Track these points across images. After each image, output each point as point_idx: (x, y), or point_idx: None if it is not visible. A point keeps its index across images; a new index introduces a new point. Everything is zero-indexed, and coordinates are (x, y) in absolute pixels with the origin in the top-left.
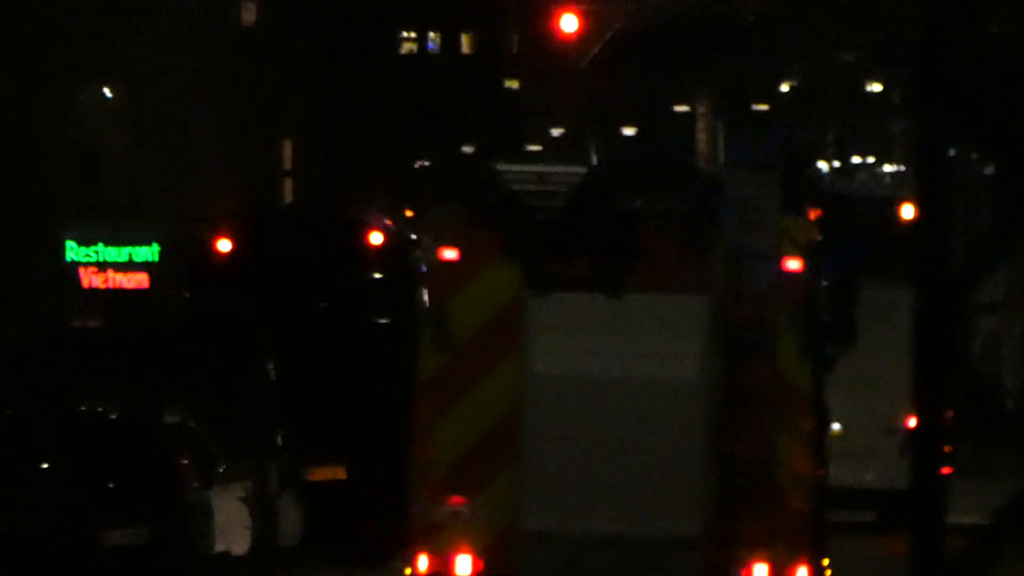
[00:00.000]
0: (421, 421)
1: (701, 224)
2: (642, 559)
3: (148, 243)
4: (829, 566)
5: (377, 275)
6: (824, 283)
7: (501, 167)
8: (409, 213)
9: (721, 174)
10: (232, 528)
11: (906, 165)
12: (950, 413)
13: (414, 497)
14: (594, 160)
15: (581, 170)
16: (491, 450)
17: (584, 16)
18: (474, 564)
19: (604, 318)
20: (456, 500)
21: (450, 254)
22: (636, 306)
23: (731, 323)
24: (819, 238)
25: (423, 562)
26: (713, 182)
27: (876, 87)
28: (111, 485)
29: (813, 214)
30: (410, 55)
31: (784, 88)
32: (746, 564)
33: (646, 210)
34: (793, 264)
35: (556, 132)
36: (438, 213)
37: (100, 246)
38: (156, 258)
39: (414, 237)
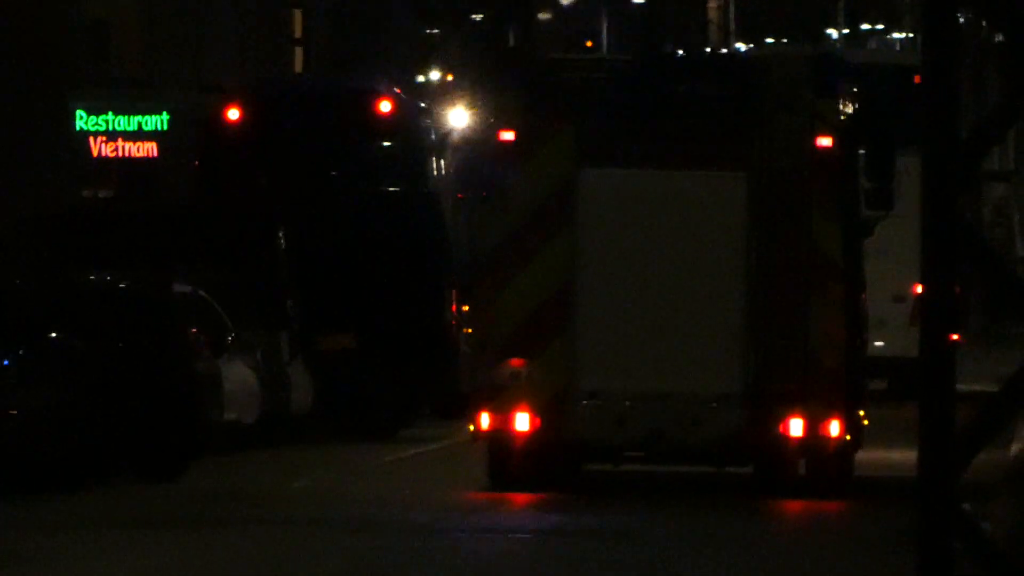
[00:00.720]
0: (484, 291)
1: (740, 108)
2: (686, 415)
3: (158, 112)
4: (864, 418)
5: (387, 143)
6: (862, 153)
7: (556, 55)
8: None
9: (760, 60)
10: (242, 397)
11: (916, 32)
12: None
13: (478, 361)
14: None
15: (632, 58)
16: (548, 317)
17: None
18: (532, 421)
19: (652, 193)
20: (516, 363)
21: (508, 135)
22: (682, 182)
23: (768, 198)
24: (851, 115)
25: (485, 419)
26: (752, 69)
27: None
28: (122, 355)
29: (845, 95)
30: None
31: None
32: (783, 419)
33: (691, 94)
34: (825, 142)
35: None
36: (496, 96)
37: (110, 115)
38: (166, 127)
39: (423, 105)
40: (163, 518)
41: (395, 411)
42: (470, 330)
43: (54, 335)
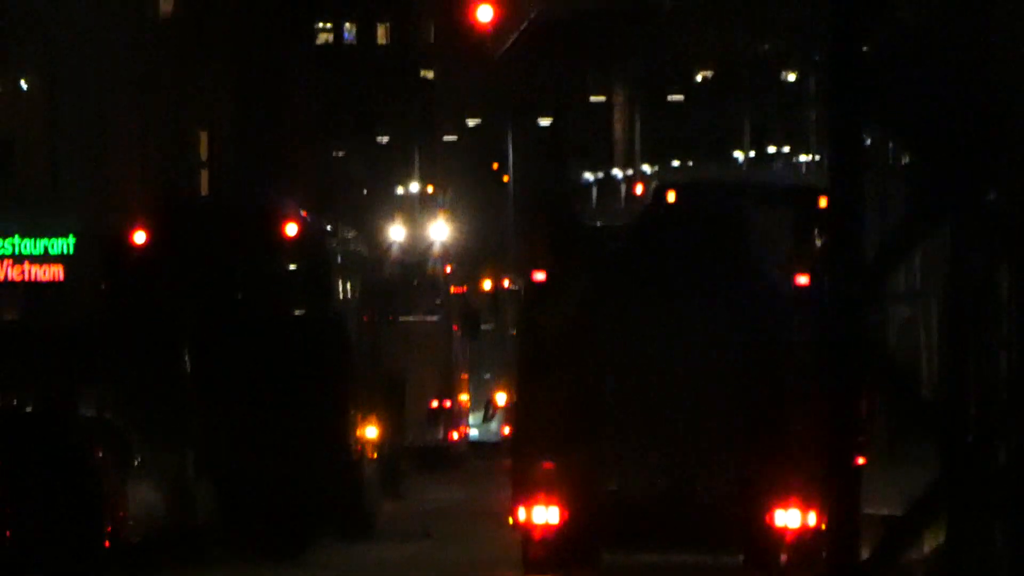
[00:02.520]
0: (520, 401)
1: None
2: (696, 511)
3: (64, 234)
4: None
5: (293, 266)
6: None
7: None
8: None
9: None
10: (147, 518)
11: (821, 154)
12: (863, 402)
13: (515, 461)
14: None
15: (641, 219)
16: (576, 425)
17: (499, 5)
18: (561, 514)
19: (662, 321)
20: (548, 465)
21: (540, 275)
22: (680, 312)
23: (757, 330)
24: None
25: (521, 513)
26: (743, 227)
27: (791, 76)
28: (27, 479)
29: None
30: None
31: (699, 78)
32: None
33: (683, 245)
34: (802, 279)
35: (472, 122)
36: (531, 245)
37: (16, 238)
38: (72, 251)
39: (329, 227)
40: None
41: (300, 530)
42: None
43: None
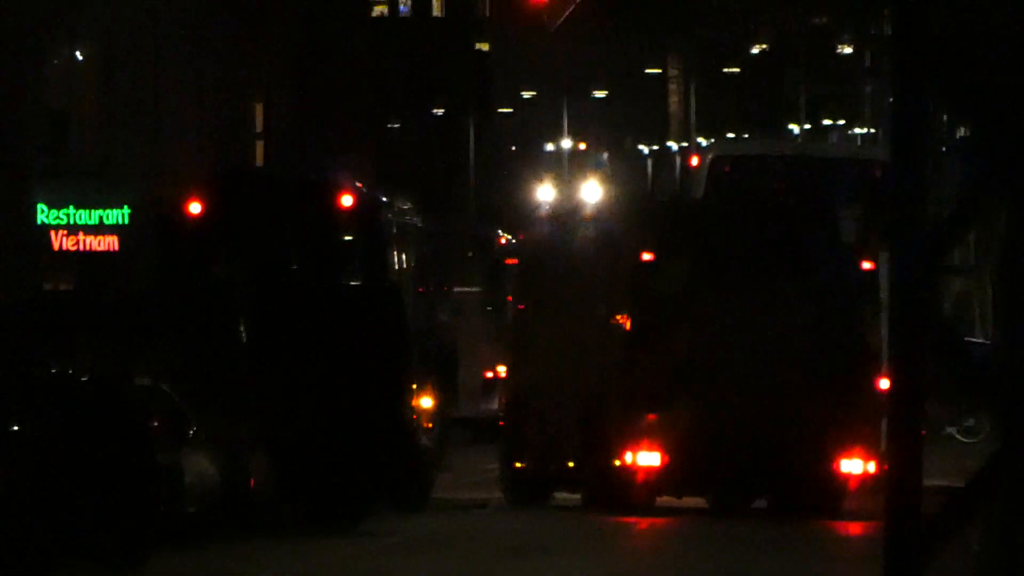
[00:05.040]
0: (627, 360)
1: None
2: (774, 460)
3: (119, 205)
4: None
5: (348, 237)
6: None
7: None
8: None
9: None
10: (203, 489)
11: (876, 127)
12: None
13: (623, 411)
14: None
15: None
16: (676, 380)
17: None
18: (662, 459)
19: (750, 294)
20: (651, 416)
21: (648, 256)
22: (769, 284)
23: (830, 303)
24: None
25: (628, 457)
26: (823, 214)
27: (847, 49)
28: (81, 449)
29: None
30: (382, 17)
31: (755, 50)
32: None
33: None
34: (867, 265)
35: (527, 95)
36: (639, 229)
37: (71, 208)
38: (127, 220)
39: (385, 199)
40: None
41: (356, 502)
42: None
43: (14, 427)
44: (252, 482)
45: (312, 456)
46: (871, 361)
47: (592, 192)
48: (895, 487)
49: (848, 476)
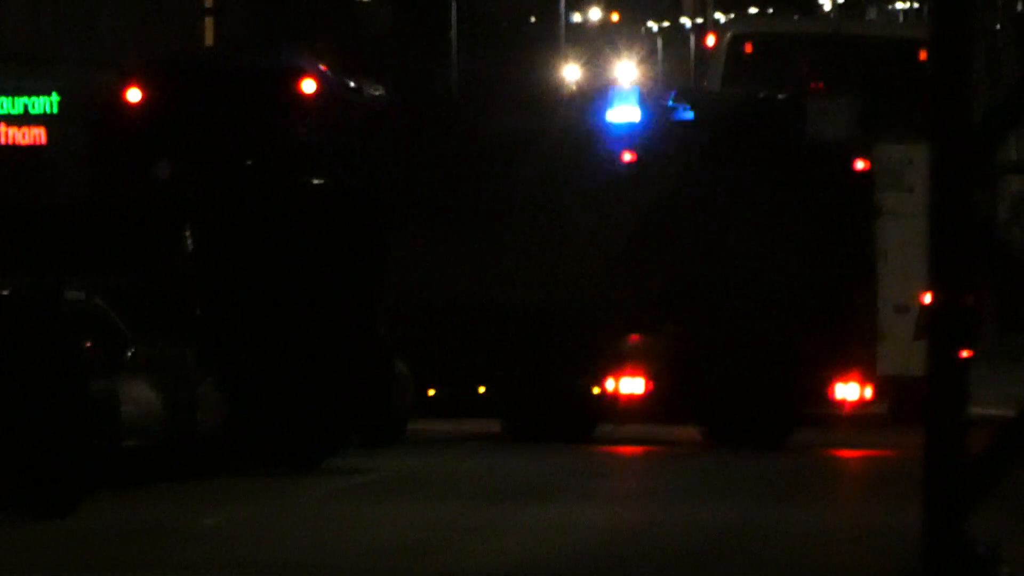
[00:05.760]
0: (605, 275)
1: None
2: (761, 387)
3: (47, 92)
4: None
5: (310, 128)
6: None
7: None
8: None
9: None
10: (143, 420)
11: (920, 2)
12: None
13: (604, 334)
14: None
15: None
16: (660, 299)
17: None
18: (646, 385)
19: (730, 207)
20: (634, 337)
21: (630, 157)
22: (748, 197)
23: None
24: None
25: (610, 383)
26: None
27: None
28: (4, 372)
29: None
30: None
31: None
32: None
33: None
34: (860, 164)
35: None
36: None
37: None
38: (56, 109)
39: (352, 84)
40: (53, 560)
41: (319, 437)
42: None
43: None
44: (199, 413)
45: (269, 383)
46: (865, 275)
47: (628, 73)
48: (936, 418)
49: (843, 402)
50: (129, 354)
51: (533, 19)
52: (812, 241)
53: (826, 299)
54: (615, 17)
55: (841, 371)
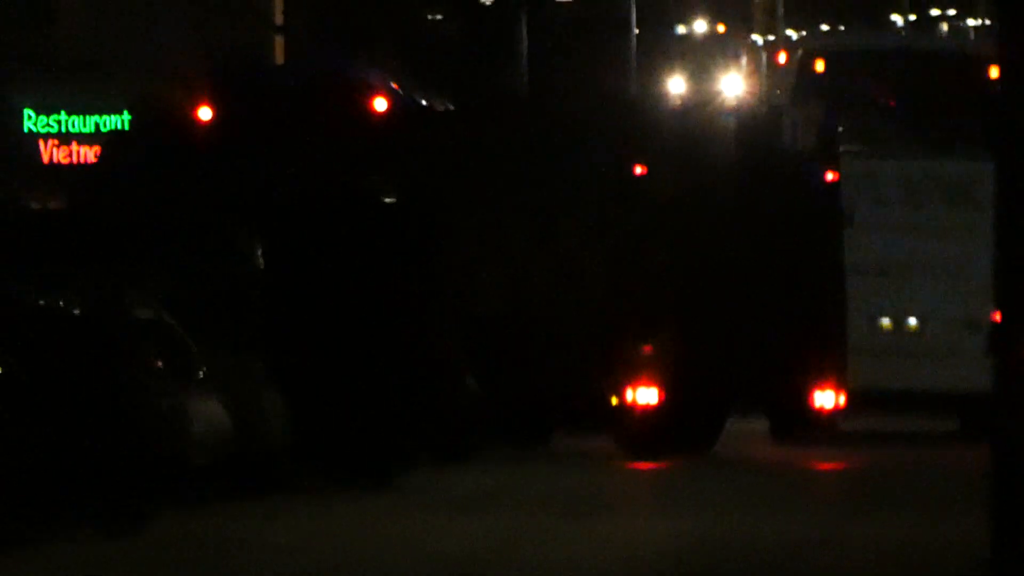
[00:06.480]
0: (616, 283)
1: None
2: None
3: (118, 111)
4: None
5: (381, 146)
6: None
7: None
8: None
9: None
10: (212, 437)
11: (992, 18)
12: None
13: (619, 346)
14: None
15: None
16: (663, 308)
17: None
18: (659, 394)
19: (719, 221)
20: (647, 348)
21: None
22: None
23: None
24: None
25: (629, 394)
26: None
27: None
28: (74, 394)
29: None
30: None
31: None
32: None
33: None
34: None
35: None
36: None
37: (62, 115)
38: (127, 128)
39: (424, 103)
40: None
41: (390, 454)
42: None
43: None
44: (268, 429)
45: (338, 399)
46: (834, 286)
47: (733, 84)
48: (1003, 432)
49: (821, 410)
50: (200, 373)
51: (637, 30)
52: (784, 252)
53: (799, 310)
54: (721, 28)
55: (817, 379)
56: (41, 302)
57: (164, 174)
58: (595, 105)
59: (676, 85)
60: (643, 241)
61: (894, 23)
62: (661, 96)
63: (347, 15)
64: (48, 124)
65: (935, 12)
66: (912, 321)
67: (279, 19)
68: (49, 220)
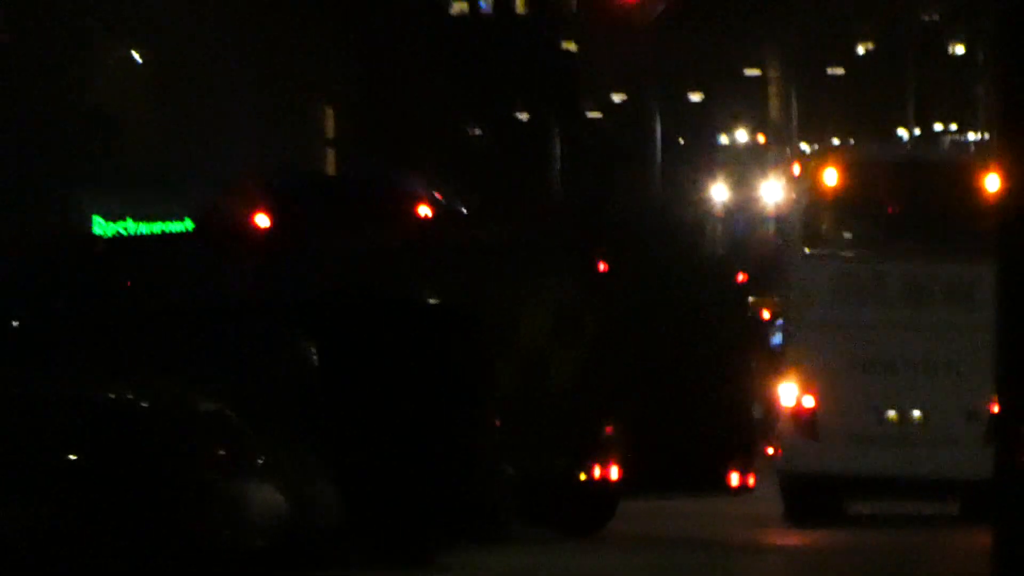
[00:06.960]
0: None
1: None
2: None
3: (180, 217)
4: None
5: (425, 250)
6: None
7: None
8: None
9: None
10: (269, 521)
11: (991, 132)
12: None
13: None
14: None
15: None
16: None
17: None
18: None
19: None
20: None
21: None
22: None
23: None
24: None
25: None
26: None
27: (959, 48)
28: (142, 481)
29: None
30: (461, 16)
31: (860, 50)
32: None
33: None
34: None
35: (617, 98)
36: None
37: (128, 221)
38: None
39: (464, 210)
40: None
41: (432, 534)
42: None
43: (70, 456)
44: (319, 511)
45: (384, 485)
46: (742, 377)
47: (774, 191)
48: (1003, 520)
49: (736, 488)
50: (259, 461)
51: (682, 140)
52: (704, 346)
53: (715, 398)
54: (761, 139)
55: (730, 459)
56: (111, 395)
57: (225, 278)
58: (572, 210)
59: (719, 192)
60: (611, 333)
61: (899, 137)
62: (630, 202)
63: (393, 129)
64: (116, 230)
65: (938, 126)
66: (916, 413)
67: (331, 133)
68: (119, 319)
